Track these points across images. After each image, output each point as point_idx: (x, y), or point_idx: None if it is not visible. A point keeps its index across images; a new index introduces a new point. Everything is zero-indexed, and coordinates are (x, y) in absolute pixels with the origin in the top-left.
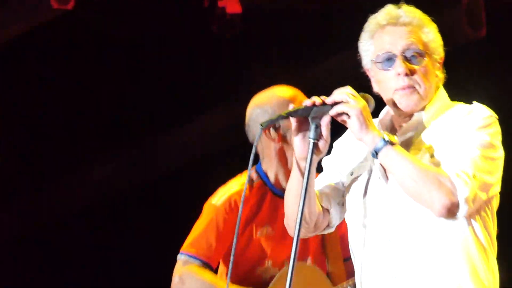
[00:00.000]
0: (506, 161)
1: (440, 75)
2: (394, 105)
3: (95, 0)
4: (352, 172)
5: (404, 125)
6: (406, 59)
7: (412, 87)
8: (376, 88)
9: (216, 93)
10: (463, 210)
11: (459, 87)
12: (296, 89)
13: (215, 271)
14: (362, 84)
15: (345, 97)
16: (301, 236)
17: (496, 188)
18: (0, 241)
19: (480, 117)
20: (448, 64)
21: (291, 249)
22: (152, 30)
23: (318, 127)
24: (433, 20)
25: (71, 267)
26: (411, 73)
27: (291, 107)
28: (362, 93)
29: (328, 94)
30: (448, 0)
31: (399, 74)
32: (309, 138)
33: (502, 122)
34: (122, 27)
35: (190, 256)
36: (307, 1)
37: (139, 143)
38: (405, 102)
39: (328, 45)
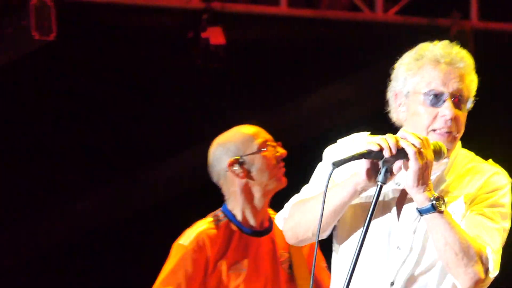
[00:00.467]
0: None
1: None
2: None
3: (78, 31)
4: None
5: None
6: (454, 103)
7: (451, 132)
8: (400, 115)
9: (196, 130)
10: (485, 285)
11: None
12: (258, 126)
13: None
14: (348, 120)
15: (418, 143)
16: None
17: None
18: None
19: (501, 185)
20: None
21: (263, 286)
22: (134, 63)
23: (388, 171)
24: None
25: None
26: (454, 117)
27: (366, 146)
28: (437, 144)
29: (311, 130)
30: None
31: (443, 116)
32: (378, 181)
33: None
34: (103, 59)
35: None
36: (292, 35)
37: (116, 180)
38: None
39: (312, 79)
